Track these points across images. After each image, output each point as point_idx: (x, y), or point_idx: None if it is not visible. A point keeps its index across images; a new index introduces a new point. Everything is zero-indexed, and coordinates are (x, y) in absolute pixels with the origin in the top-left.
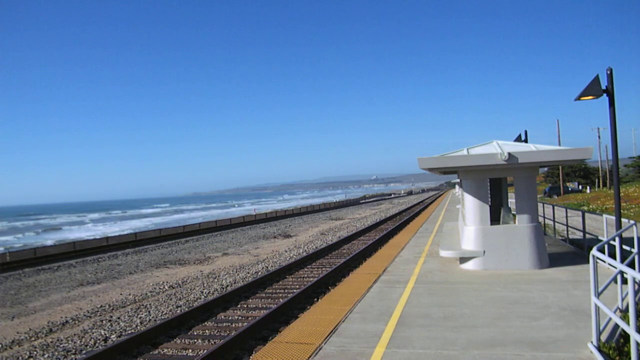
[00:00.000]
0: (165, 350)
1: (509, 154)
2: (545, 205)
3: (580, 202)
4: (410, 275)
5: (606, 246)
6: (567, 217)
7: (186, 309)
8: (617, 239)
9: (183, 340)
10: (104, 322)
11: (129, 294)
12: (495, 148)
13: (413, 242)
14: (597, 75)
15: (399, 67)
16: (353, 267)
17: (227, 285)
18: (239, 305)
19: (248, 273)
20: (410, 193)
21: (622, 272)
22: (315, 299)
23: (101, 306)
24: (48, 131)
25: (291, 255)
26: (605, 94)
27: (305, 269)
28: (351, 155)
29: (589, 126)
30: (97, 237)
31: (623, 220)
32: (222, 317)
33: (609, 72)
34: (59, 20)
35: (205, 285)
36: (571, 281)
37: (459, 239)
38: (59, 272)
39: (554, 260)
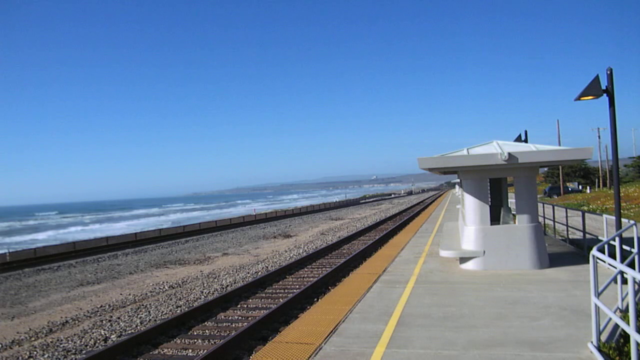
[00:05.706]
0: (165, 350)
1: (509, 154)
2: (545, 205)
3: (580, 202)
4: (410, 275)
5: (606, 246)
6: (567, 217)
7: (186, 309)
8: (617, 239)
9: (183, 340)
10: (104, 322)
11: (129, 294)
12: (495, 148)
13: (413, 242)
14: (597, 75)
15: (399, 67)
16: (353, 267)
17: (227, 285)
18: (239, 305)
19: (248, 273)
20: (410, 193)
21: (622, 272)
22: (315, 299)
23: (101, 306)
24: (45, 131)
25: (291, 255)
26: (605, 94)
27: (305, 269)
28: (351, 155)
29: (589, 126)
30: (98, 237)
31: (623, 220)
32: (222, 317)
33: (609, 72)
34: (59, 20)
35: (205, 285)
36: (571, 281)
37: (459, 239)
38: (59, 272)
39: (554, 260)
